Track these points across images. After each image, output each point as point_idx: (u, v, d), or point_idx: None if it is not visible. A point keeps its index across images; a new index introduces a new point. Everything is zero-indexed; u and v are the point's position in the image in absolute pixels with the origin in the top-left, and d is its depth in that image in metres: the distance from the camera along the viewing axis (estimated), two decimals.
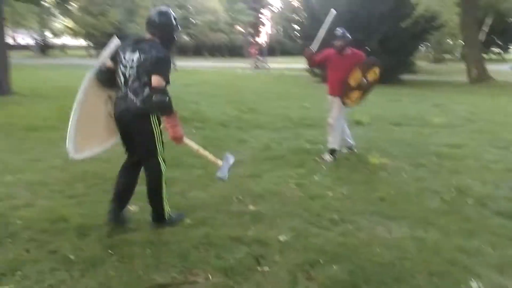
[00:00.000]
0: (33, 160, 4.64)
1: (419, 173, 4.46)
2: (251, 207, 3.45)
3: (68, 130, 2.78)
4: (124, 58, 2.79)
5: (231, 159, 3.32)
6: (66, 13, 38.83)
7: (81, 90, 2.86)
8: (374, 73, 4.94)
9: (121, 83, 2.81)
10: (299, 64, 20.11)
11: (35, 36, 43.30)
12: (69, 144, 2.78)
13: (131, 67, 2.76)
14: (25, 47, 42.13)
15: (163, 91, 2.69)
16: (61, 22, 43.03)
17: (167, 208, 3.03)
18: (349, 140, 5.21)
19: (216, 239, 2.85)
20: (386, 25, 14.62)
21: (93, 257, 2.54)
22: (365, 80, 4.83)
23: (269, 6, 55.32)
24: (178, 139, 2.86)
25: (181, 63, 24.75)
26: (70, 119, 2.79)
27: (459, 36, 22.56)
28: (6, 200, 3.48)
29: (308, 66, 4.84)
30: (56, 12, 39.27)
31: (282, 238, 2.89)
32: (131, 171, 3.05)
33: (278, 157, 5.06)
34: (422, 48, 28.23)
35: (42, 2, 33.08)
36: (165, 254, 2.63)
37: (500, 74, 17.35)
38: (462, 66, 17.16)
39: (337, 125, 4.92)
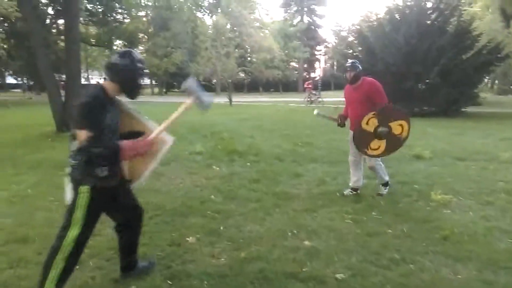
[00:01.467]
0: None
1: (487, 211, 4.16)
2: (307, 243, 3.41)
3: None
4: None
5: (193, 83, 2.79)
6: None
7: None
8: (400, 127, 4.31)
9: None
10: None
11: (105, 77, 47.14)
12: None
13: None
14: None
15: (86, 148, 2.25)
16: None
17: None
18: (361, 180, 4.92)
19: (272, 274, 2.84)
20: (446, 57, 14.19)
21: (153, 287, 2.63)
22: (385, 129, 4.27)
23: (324, 42, 56.13)
24: (148, 148, 2.50)
25: (237, 99, 25.60)
26: None
27: None
28: None
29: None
30: None
31: (339, 276, 2.81)
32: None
33: (333, 191, 4.98)
34: (486, 79, 26.91)
35: (113, 47, 36.30)
36: (222, 286, 2.67)
37: None
38: None
39: (375, 162, 4.72)
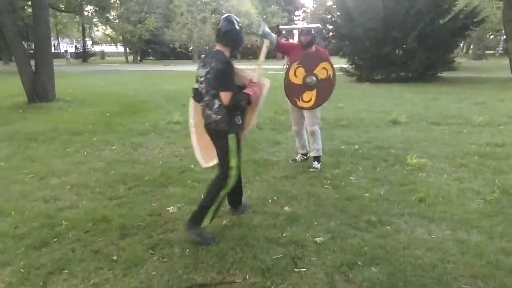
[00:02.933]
0: (76, 163, 4.87)
1: (460, 174, 4.30)
2: (287, 209, 3.46)
3: (194, 148, 3.41)
4: (198, 74, 2.92)
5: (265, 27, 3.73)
6: (105, 21, 40.40)
7: (190, 112, 3.37)
8: (325, 70, 4.22)
9: (201, 98, 2.94)
10: (334, 64, 19.87)
11: (76, 44, 45.32)
12: (198, 158, 3.40)
13: (201, 82, 2.88)
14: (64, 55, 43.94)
15: (234, 103, 2.79)
16: (101, 30, 44.86)
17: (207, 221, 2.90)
18: (307, 145, 4.90)
19: (253, 240, 2.88)
20: (423, 22, 14.20)
21: (135, 256, 2.64)
22: (314, 79, 4.19)
23: (303, 7, 55.17)
24: (260, 90, 3.04)
25: None
26: (191, 139, 3.40)
27: (502, 31, 21.53)
28: (52, 202, 3.67)
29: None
30: (96, 20, 40.93)
31: (318, 239, 2.88)
32: None
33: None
34: (462, 44, 27.22)
35: (84, 13, 34.62)
36: (204, 254, 2.69)
37: None
38: (504, 62, 16.34)
39: (314, 128, 4.58)
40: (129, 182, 4.11)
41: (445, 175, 4.27)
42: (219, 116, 2.83)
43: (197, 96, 2.97)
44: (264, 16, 44.71)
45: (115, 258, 2.64)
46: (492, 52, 35.90)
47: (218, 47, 2.88)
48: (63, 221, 3.21)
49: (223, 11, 41.83)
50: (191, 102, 3.25)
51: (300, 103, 4.31)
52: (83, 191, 3.91)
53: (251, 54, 46.45)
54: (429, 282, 2.34)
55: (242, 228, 3.09)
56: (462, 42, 26.01)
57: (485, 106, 8.78)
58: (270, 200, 3.67)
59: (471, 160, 4.74)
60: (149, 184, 4.05)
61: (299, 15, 56.36)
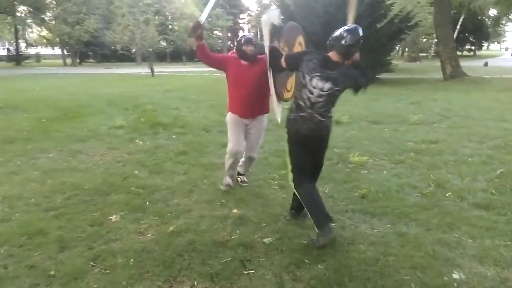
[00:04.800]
0: (9, 173, 4.51)
1: (399, 170, 4.53)
2: (235, 211, 3.44)
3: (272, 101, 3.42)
4: (311, 83, 2.79)
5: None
6: (41, 22, 38.14)
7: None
8: (300, 47, 3.64)
9: (305, 105, 2.86)
10: None
11: (8, 47, 42.37)
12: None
13: (320, 96, 2.80)
14: None
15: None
16: (35, 31, 42.30)
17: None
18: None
19: (201, 245, 2.83)
20: (362, 26, 14.80)
21: (74, 270, 2.48)
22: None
23: (247, 10, 55.67)
24: None
25: (159, 69, 24.62)
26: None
27: (433, 35, 23.09)
28: None
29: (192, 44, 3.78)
30: (30, 22, 38.52)
31: (267, 240, 2.89)
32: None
33: (260, 159, 5.05)
34: (398, 47, 28.81)
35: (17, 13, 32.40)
36: (149, 263, 2.60)
37: (473, 70, 17.83)
38: (436, 64, 17.55)
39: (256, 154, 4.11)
40: (67, 192, 3.87)
41: (385, 172, 4.48)
42: (330, 124, 2.96)
43: (312, 105, 2.85)
44: (210, 19, 44.54)
45: (52, 273, 2.47)
46: (425, 54, 38.35)
47: (339, 59, 2.81)
48: None
49: (167, 13, 41.17)
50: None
51: (285, 94, 3.64)
52: (16, 203, 3.62)
53: (196, 56, 46.03)
54: (372, 276, 2.43)
55: (189, 233, 3.02)
56: (398, 45, 27.55)
57: (420, 106, 9.34)
58: (218, 204, 3.63)
59: (408, 157, 5.01)
60: (90, 193, 3.85)
61: (244, 18, 56.77)
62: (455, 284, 2.35)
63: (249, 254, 2.70)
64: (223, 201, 3.68)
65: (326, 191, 3.88)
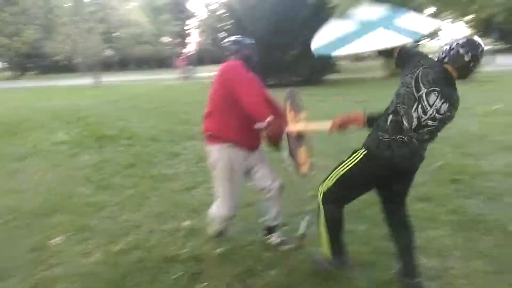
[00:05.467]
0: None
1: None
2: (186, 223, 3.37)
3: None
4: (427, 99, 2.09)
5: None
6: None
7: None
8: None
9: (409, 126, 2.16)
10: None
11: None
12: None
13: (433, 118, 2.12)
14: None
15: None
16: None
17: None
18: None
19: (151, 262, 2.75)
20: (308, 29, 15.20)
21: None
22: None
23: (195, 16, 55.31)
24: None
25: (105, 78, 23.82)
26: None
27: None
28: None
29: None
30: None
31: (218, 251, 2.85)
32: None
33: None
34: None
35: None
36: (96, 285, 2.48)
37: None
38: (379, 63, 18.34)
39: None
40: (4, 216, 3.61)
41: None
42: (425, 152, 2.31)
43: (418, 128, 2.15)
44: (157, 25, 43.81)
45: None
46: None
47: (454, 74, 2.11)
48: None
49: (112, 21, 40.00)
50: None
51: (303, 168, 2.80)
52: None
53: (146, 64, 45.13)
54: (323, 277, 2.46)
55: (138, 250, 2.92)
56: None
57: (365, 104, 9.69)
58: (169, 216, 3.55)
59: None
60: (30, 215, 3.61)
61: (192, 24, 56.34)
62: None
63: (201, 267, 2.66)
64: (174, 213, 3.60)
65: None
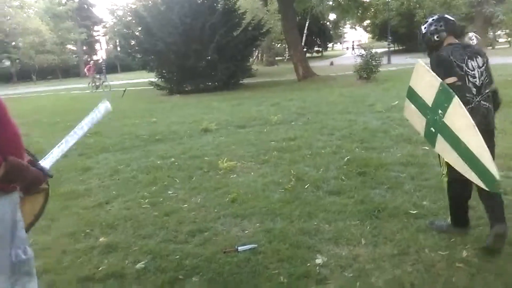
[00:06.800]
0: None
1: (264, 169, 4.81)
2: (102, 239, 3.21)
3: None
4: (468, 68, 2.62)
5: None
6: None
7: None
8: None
9: (472, 95, 2.60)
10: (142, 78, 19.64)
11: None
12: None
13: (482, 74, 2.65)
14: None
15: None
16: None
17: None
18: None
19: (63, 284, 2.58)
20: (218, 35, 15.37)
21: None
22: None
23: (102, 22, 52.72)
24: None
25: (3, 92, 21.63)
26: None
27: (285, 40, 25.13)
28: None
29: None
30: None
31: (138, 265, 2.76)
32: None
33: (128, 179, 4.84)
34: (256, 53, 30.61)
35: None
36: None
37: (321, 70, 20.00)
38: (291, 66, 19.18)
39: None
40: None
41: (252, 173, 4.71)
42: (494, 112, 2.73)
43: (479, 89, 2.62)
44: (60, 33, 40.88)
45: None
46: (281, 58, 41.52)
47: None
48: None
49: (6, 29, 36.47)
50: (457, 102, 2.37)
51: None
52: None
53: (50, 74, 41.86)
54: (245, 277, 2.52)
55: (49, 274, 2.72)
56: (256, 50, 29.22)
57: (279, 106, 10.08)
58: (82, 234, 3.35)
59: (272, 156, 5.36)
60: None
61: (99, 30, 53.61)
62: (317, 268, 2.58)
63: (120, 284, 2.55)
64: (88, 230, 3.41)
65: (199, 201, 3.91)
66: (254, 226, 3.28)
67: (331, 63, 28.64)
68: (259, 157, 5.37)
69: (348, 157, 4.88)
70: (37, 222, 2.12)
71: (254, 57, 28.28)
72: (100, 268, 2.75)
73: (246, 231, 3.20)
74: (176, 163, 5.37)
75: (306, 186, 4.07)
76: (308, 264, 2.63)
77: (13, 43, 38.89)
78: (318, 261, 2.67)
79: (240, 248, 2.85)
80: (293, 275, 2.51)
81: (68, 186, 4.67)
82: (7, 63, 40.41)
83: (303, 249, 2.83)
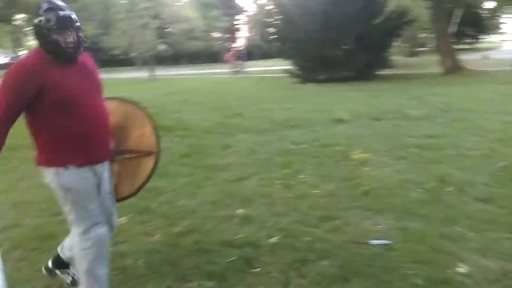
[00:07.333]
0: (18, 179, 4.59)
1: (400, 166, 4.56)
2: (239, 211, 3.48)
3: None
4: None
5: None
6: None
7: None
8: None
9: None
10: (278, 66, 20.29)
11: (12, 55, 42.57)
12: None
13: None
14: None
15: None
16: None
17: None
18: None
19: (207, 245, 2.88)
20: (359, 23, 14.88)
21: None
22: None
23: (244, 11, 55.70)
24: None
25: (159, 72, 24.71)
26: None
27: (431, 29, 23.07)
28: None
29: None
30: (27, 30, 38.70)
31: (272, 239, 2.93)
32: None
33: (263, 159, 5.11)
34: (396, 43, 28.79)
35: (16, 22, 32.58)
36: (157, 263, 2.66)
37: (472, 63, 17.84)
38: (435, 58, 17.55)
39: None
40: None
41: (386, 168, 4.51)
42: None
43: None
44: (207, 21, 44.67)
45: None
46: (423, 49, 38.31)
47: None
48: (7, 241, 3.03)
49: (165, 17, 41.30)
50: None
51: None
52: (26, 209, 3.71)
53: (196, 58, 46.19)
54: (376, 271, 2.47)
55: (195, 234, 3.08)
56: (397, 40, 27.49)
57: (420, 100, 9.36)
58: (223, 204, 3.68)
59: (410, 152, 5.04)
60: None
61: (241, 19, 56.82)
62: (459, 277, 2.38)
63: (255, 253, 2.75)
64: (227, 201, 3.73)
65: (330, 189, 3.92)
66: (387, 222, 3.16)
67: (486, 57, 25.28)
68: (395, 152, 5.11)
69: (505, 164, 4.30)
70: (148, 182, 2.48)
71: (394, 47, 26.62)
72: (238, 236, 3.00)
73: (379, 226, 3.10)
74: (308, 150, 5.47)
75: (449, 189, 3.74)
76: (449, 271, 2.44)
77: (168, 29, 43.88)
78: (461, 269, 2.46)
79: (373, 242, 2.79)
80: (430, 279, 2.36)
81: (211, 159, 5.16)
82: (163, 47, 45.82)
83: (444, 254, 2.64)
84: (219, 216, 3.40)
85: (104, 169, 2.21)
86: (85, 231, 2.12)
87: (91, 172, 2.11)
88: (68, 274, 2.44)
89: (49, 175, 2.10)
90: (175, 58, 46.31)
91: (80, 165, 2.06)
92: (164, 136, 6.62)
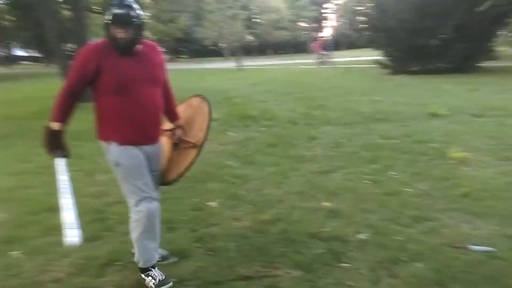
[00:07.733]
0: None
1: (506, 167, 4.14)
2: (325, 204, 3.46)
3: None
4: None
5: None
6: None
7: None
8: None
9: None
10: (366, 56, 19.53)
11: None
12: None
13: None
14: None
15: None
16: None
17: None
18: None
19: (294, 234, 2.91)
20: (460, 11, 13.64)
21: (183, 249, 2.73)
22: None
23: (332, 0, 54.35)
24: None
25: (246, 62, 25.31)
26: None
27: None
28: (101, 197, 3.86)
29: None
30: None
31: (362, 235, 2.86)
32: None
33: (350, 153, 5.00)
34: (504, 32, 25.90)
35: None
36: (247, 247, 2.76)
37: None
38: None
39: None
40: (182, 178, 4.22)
41: (489, 169, 4.13)
42: None
43: None
44: (294, 10, 44.47)
45: (164, 253, 2.74)
46: None
47: None
48: (113, 216, 3.37)
49: (253, 7, 42.03)
50: None
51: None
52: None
53: (282, 49, 46.35)
54: (477, 279, 2.29)
55: (282, 222, 3.13)
56: (503, 30, 24.72)
57: None
58: (308, 196, 3.69)
59: None
60: (190, 181, 4.10)
61: (329, 8, 55.52)
62: None
63: (343, 248, 2.71)
64: (313, 193, 3.72)
65: (423, 188, 3.70)
66: (490, 227, 2.90)
67: None
68: (500, 152, 4.65)
69: None
70: (186, 172, 2.55)
71: (500, 37, 23.99)
72: (325, 229, 2.99)
73: (480, 231, 2.86)
74: (399, 145, 5.21)
75: None
76: None
77: (256, 20, 44.59)
78: None
79: (473, 247, 2.59)
80: None
81: (297, 150, 5.18)
82: (250, 37, 46.78)
83: None
84: (305, 207, 3.41)
85: (153, 150, 2.41)
86: (136, 204, 2.32)
87: (139, 151, 2.32)
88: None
89: (104, 149, 2.38)
90: (262, 48, 47.04)
91: (126, 143, 2.28)
92: (250, 125, 6.81)
